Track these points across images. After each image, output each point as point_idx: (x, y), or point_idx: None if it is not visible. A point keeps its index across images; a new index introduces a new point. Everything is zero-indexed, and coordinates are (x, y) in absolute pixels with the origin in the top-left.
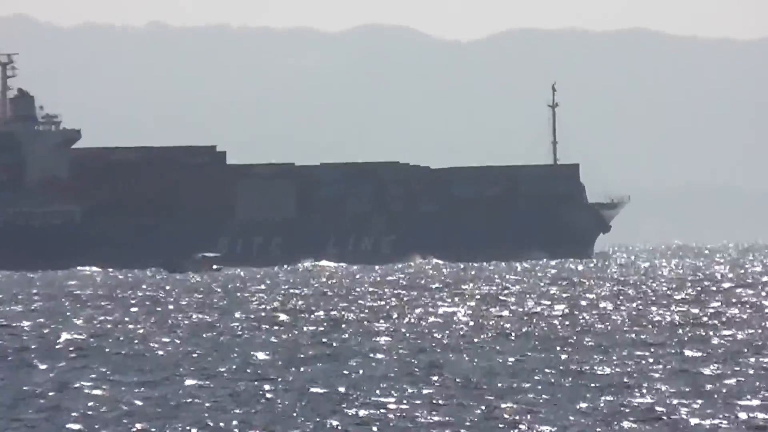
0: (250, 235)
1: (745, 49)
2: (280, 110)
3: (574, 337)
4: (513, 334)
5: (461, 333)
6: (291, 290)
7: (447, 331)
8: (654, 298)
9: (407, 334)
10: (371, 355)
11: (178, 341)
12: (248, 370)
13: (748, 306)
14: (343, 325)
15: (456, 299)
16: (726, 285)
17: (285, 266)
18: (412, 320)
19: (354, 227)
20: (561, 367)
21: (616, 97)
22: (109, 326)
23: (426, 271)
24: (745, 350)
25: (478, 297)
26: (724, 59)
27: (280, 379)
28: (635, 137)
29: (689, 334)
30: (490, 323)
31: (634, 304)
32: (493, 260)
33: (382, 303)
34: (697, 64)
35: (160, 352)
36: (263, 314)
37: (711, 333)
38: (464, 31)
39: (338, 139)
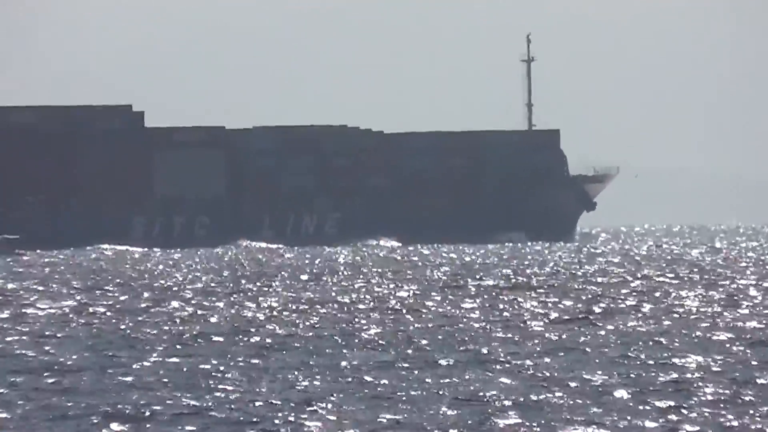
0: (170, 214)
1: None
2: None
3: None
4: None
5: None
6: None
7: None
8: None
9: None
10: None
11: None
12: None
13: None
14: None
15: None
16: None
17: (184, 250)
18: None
19: (293, 205)
20: None
21: (598, 51)
22: None
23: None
24: None
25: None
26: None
27: None
28: (624, 100)
29: None
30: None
31: None
32: (459, 243)
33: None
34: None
35: None
36: None
37: None
38: None
39: (260, 99)
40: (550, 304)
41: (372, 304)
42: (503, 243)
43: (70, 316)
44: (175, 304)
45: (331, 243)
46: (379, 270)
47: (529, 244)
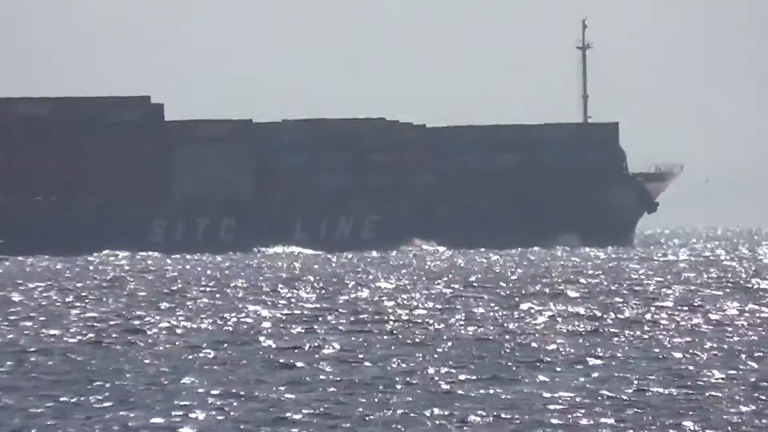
0: (193, 216)
1: None
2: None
3: None
4: None
5: None
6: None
7: None
8: None
9: None
10: None
11: None
12: None
13: None
14: None
15: None
16: None
17: (209, 255)
18: None
19: (327, 206)
20: None
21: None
22: None
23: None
24: None
25: None
26: None
27: None
28: (690, 91)
29: None
30: None
31: None
32: (508, 246)
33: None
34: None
35: None
36: None
37: None
38: None
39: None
40: (574, 313)
41: (390, 314)
42: (553, 247)
43: (44, 330)
44: (170, 315)
45: (369, 248)
46: (404, 276)
47: (572, 248)
